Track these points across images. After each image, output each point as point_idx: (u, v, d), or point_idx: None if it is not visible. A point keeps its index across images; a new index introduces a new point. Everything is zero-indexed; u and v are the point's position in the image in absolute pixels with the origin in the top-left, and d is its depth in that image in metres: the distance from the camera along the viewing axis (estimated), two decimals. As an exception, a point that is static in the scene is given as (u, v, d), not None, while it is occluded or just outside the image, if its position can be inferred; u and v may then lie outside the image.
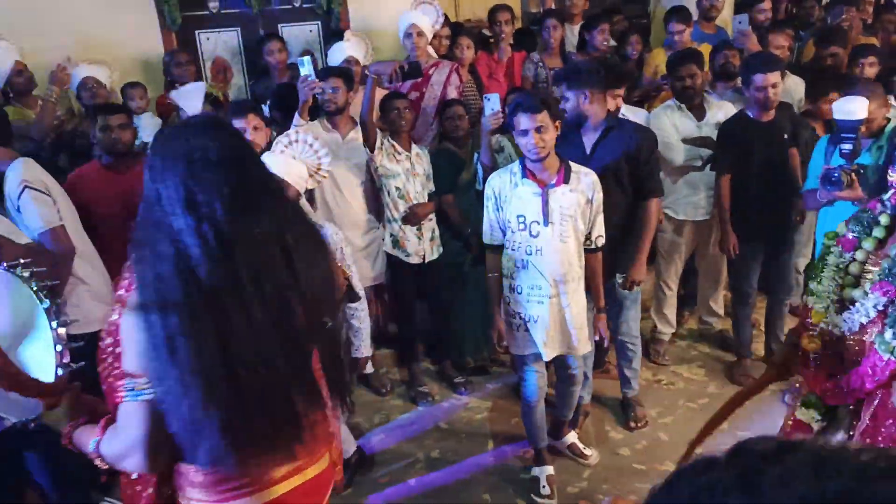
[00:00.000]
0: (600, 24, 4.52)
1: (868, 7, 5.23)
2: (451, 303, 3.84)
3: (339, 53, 4.07)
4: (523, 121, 2.61)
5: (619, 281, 3.26)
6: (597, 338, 3.00)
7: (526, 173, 2.74)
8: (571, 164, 2.78)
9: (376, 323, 3.93)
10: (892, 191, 1.84)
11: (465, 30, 4.72)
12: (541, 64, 4.51)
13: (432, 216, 3.73)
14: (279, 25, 5.04)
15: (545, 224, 2.72)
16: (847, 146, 2.83)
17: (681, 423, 3.48)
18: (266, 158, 2.55)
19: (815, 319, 1.93)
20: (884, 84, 3.50)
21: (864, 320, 1.81)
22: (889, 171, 1.85)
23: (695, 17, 4.83)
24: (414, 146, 3.72)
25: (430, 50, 4.43)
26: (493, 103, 3.38)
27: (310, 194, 3.38)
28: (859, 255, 1.90)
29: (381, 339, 4.14)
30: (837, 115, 2.84)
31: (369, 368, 3.80)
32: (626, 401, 3.56)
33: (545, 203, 2.71)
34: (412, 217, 3.63)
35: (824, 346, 1.90)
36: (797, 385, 2.09)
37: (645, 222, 3.17)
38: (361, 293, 2.90)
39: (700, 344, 4.22)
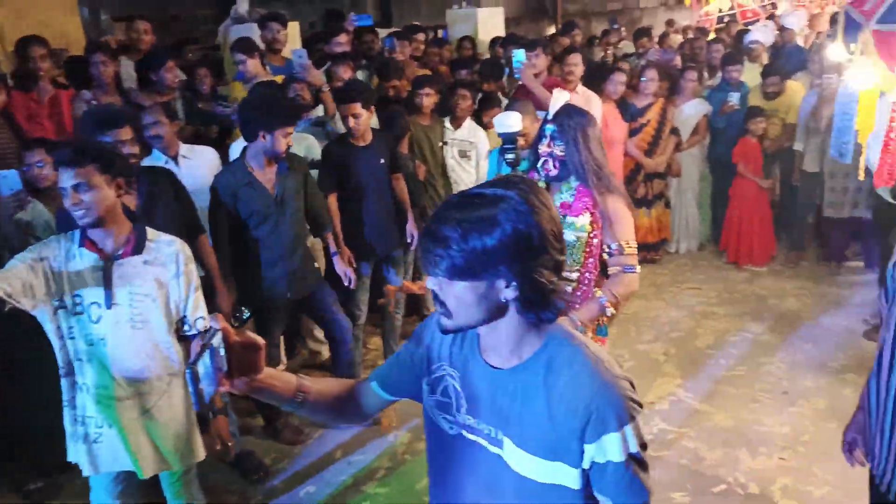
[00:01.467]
0: (164, 62, 4.19)
1: (419, 43, 5.87)
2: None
3: None
4: (59, 176, 2.11)
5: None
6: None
7: (84, 241, 2.20)
8: (150, 230, 2.32)
9: None
10: (542, 160, 2.43)
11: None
12: (94, 102, 4.01)
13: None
14: None
15: (108, 307, 2.19)
16: (510, 155, 3.04)
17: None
18: None
19: None
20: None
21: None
22: (538, 145, 2.45)
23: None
24: None
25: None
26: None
27: None
28: None
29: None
30: (499, 129, 3.12)
31: None
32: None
33: (107, 279, 2.18)
34: None
35: None
36: None
37: (208, 257, 3.18)
38: None
39: (312, 371, 4.23)
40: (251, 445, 3.47)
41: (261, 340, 1.22)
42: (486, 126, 4.44)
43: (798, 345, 4.22)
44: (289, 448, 3.52)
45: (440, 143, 4.42)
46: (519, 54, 4.39)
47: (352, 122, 3.53)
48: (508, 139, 3.14)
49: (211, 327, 1.15)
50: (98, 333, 2.21)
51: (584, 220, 2.40)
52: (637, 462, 1.19)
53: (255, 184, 3.17)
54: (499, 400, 1.26)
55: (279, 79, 4.30)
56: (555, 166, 2.44)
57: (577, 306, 2.39)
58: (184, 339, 2.38)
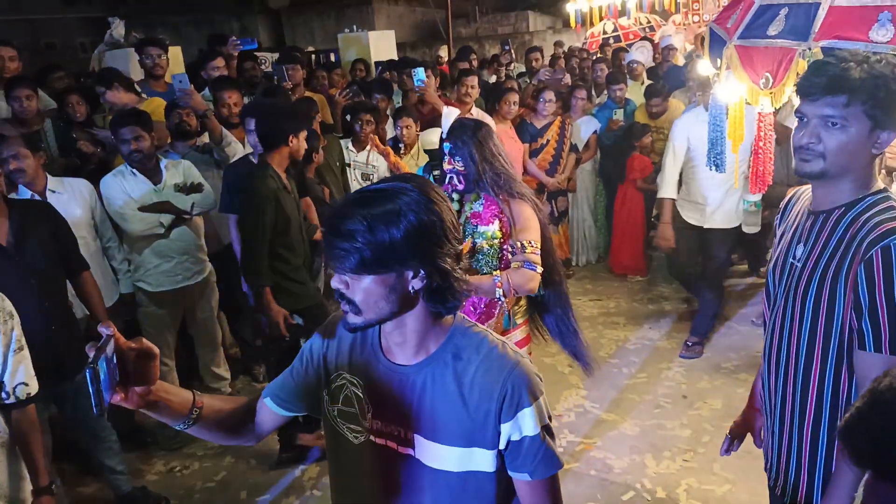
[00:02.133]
0: (18, 90, 3.89)
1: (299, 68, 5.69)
2: None
3: None
4: None
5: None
6: None
7: None
8: None
9: None
10: (447, 177, 2.49)
11: None
12: (-50, 134, 3.66)
13: None
14: None
15: None
16: (436, 172, 3.07)
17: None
18: None
19: None
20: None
21: None
22: (443, 162, 2.50)
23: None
24: None
25: None
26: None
27: None
28: None
29: None
30: (424, 147, 3.05)
31: None
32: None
33: None
34: None
35: None
36: None
37: (91, 295, 2.99)
38: None
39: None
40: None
41: (155, 349, 1.20)
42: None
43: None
44: (189, 492, 3.30)
45: (338, 164, 4.35)
46: (420, 72, 4.47)
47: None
48: (434, 155, 3.15)
49: (104, 334, 1.11)
50: None
51: (493, 227, 2.46)
52: (549, 432, 1.27)
53: (286, 188, 3.23)
54: (407, 397, 1.27)
55: (161, 103, 4.10)
56: (459, 181, 2.49)
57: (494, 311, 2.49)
58: (4, 408, 2.03)
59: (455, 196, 2.52)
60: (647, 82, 6.14)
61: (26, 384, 2.03)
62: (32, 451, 2.06)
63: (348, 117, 4.46)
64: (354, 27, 7.29)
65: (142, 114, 3.49)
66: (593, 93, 6.33)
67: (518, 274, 2.35)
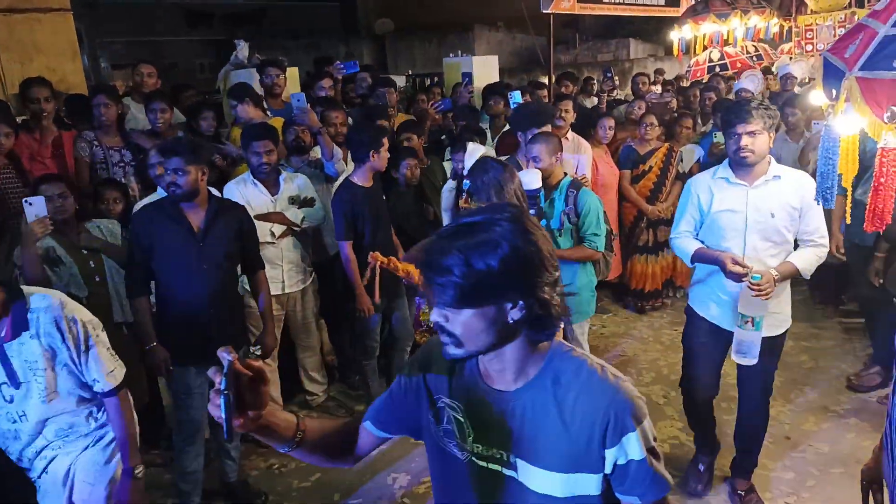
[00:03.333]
0: (155, 103, 4.24)
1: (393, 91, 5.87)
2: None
3: None
4: None
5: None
6: None
7: None
8: (25, 289, 2.20)
9: None
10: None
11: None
12: (96, 143, 4.04)
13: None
14: None
15: (15, 387, 2.16)
16: (532, 211, 3.08)
17: None
18: None
19: (423, 318, 2.36)
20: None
21: None
22: (458, 200, 2.48)
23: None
24: None
25: (-55, 130, 3.62)
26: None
27: None
28: None
29: None
30: (524, 187, 3.13)
31: None
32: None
33: (5, 362, 2.14)
34: None
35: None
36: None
37: (263, 294, 3.29)
38: None
39: (308, 414, 4.15)
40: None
41: (267, 374, 1.21)
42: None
43: (799, 388, 4.19)
44: (287, 490, 3.44)
45: (441, 184, 4.46)
46: (516, 95, 4.53)
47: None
48: (530, 196, 3.18)
49: (225, 360, 1.14)
50: (17, 411, 2.19)
51: None
52: (654, 454, 1.25)
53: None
54: (508, 423, 1.27)
55: (278, 121, 4.36)
56: None
57: None
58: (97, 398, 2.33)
59: None
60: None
61: (99, 380, 2.25)
62: (126, 436, 2.31)
63: (443, 137, 4.59)
64: (460, 52, 7.46)
65: (272, 129, 3.73)
66: (698, 121, 6.21)
67: None
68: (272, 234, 3.71)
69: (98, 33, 12.92)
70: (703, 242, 2.94)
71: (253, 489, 3.41)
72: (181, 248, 2.92)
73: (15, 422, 2.21)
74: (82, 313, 2.23)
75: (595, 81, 7.97)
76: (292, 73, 5.49)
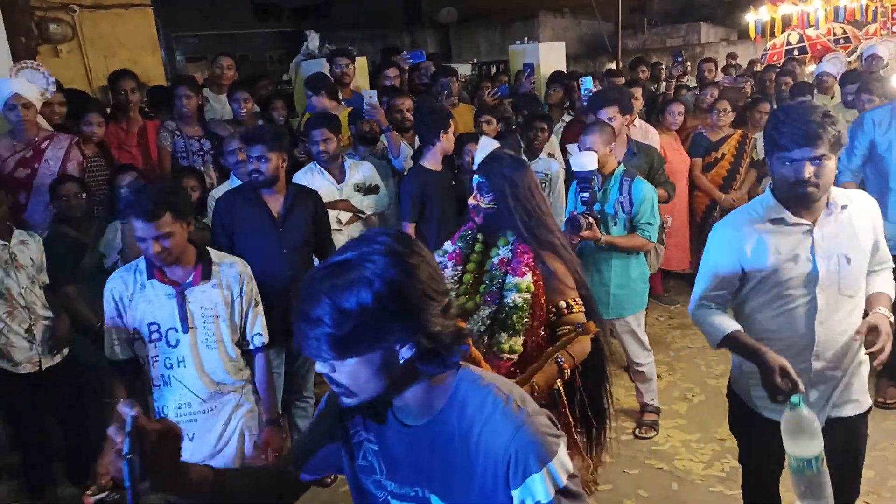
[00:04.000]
0: (238, 93, 4.41)
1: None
2: (87, 411, 3.25)
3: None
4: (138, 227, 2.21)
5: None
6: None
7: (153, 272, 2.32)
8: (213, 252, 2.46)
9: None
10: (477, 213, 2.21)
11: (94, 103, 4.28)
12: (178, 133, 4.23)
13: (48, 314, 3.13)
14: None
15: (184, 331, 2.32)
16: (585, 195, 3.11)
17: None
18: None
19: None
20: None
21: (482, 328, 2.08)
22: (475, 196, 2.21)
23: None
24: (18, 233, 3.13)
25: (42, 120, 3.86)
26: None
27: None
28: (470, 267, 2.21)
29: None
30: (574, 168, 3.11)
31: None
32: None
33: (181, 306, 2.31)
34: None
35: None
36: None
37: None
38: None
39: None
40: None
41: (179, 428, 1.08)
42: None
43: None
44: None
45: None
46: (587, 81, 4.47)
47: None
48: (583, 178, 3.13)
49: (127, 415, 1.01)
50: (177, 356, 2.33)
51: (527, 280, 2.13)
52: (567, 495, 1.13)
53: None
54: (419, 458, 1.20)
55: (345, 112, 4.46)
56: (479, 217, 2.22)
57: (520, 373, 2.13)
58: (246, 353, 2.54)
59: (479, 237, 2.28)
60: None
61: (261, 335, 2.51)
62: (267, 390, 2.54)
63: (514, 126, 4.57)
64: (525, 39, 7.41)
65: (332, 118, 3.82)
66: (774, 107, 5.99)
67: (577, 344, 2.11)
68: (339, 221, 3.80)
69: (173, 28, 13.41)
70: (745, 313, 2.20)
71: None
72: (262, 233, 3.04)
73: (172, 367, 2.33)
74: (253, 279, 2.52)
75: (664, 67, 7.79)
76: (361, 62, 5.59)
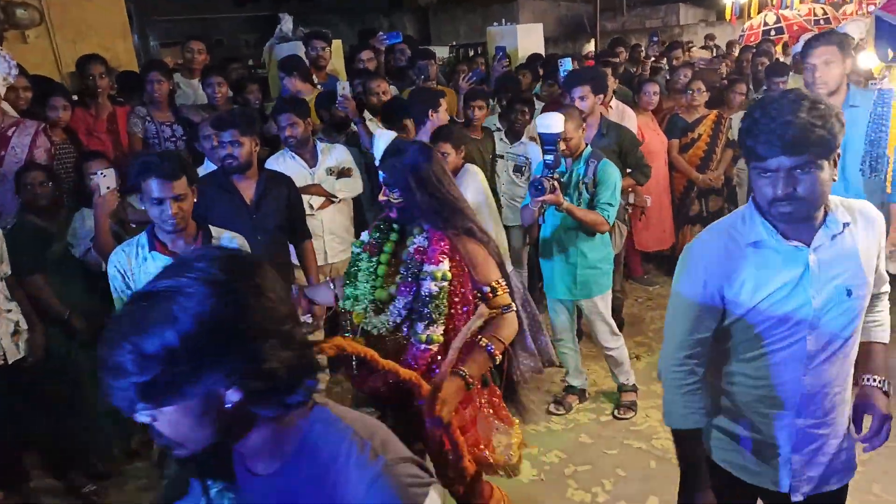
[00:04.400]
0: (212, 77, 4.33)
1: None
2: (62, 401, 3.21)
3: None
4: (156, 188, 2.29)
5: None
6: None
7: (155, 245, 2.39)
8: (211, 227, 2.54)
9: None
10: (389, 208, 2.16)
11: (58, 87, 4.18)
12: (149, 118, 4.15)
13: (10, 306, 3.06)
14: None
15: None
16: (549, 157, 3.05)
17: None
18: None
19: (357, 321, 2.12)
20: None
21: (399, 319, 2.09)
22: (383, 192, 2.14)
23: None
24: None
25: (6, 107, 3.77)
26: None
27: None
28: (383, 258, 2.19)
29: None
30: (540, 130, 3.06)
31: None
32: None
33: None
34: None
35: (366, 345, 2.04)
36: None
37: (309, 262, 3.38)
38: None
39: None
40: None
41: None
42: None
43: None
44: None
45: (490, 157, 4.43)
46: (567, 62, 4.47)
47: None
48: (549, 140, 3.10)
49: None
50: None
51: (443, 267, 2.08)
52: None
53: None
54: None
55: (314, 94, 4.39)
56: (392, 211, 2.17)
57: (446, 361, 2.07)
58: None
59: (394, 227, 2.25)
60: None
61: None
62: None
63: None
64: (503, 21, 7.35)
65: (300, 102, 3.75)
66: (751, 87, 6.01)
67: (502, 326, 2.10)
68: (310, 206, 3.74)
69: (147, 12, 13.16)
70: (714, 356, 1.76)
71: None
72: (236, 220, 2.99)
73: None
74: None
75: (642, 48, 7.78)
76: (336, 45, 5.50)
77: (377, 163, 2.18)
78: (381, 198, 2.14)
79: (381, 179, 2.15)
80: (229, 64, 5.27)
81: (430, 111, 3.71)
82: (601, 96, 4.01)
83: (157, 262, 2.37)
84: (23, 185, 3.18)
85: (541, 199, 3.05)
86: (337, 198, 3.81)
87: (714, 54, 7.28)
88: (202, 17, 15.46)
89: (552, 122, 3.04)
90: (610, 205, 3.32)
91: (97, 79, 4.12)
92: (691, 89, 5.09)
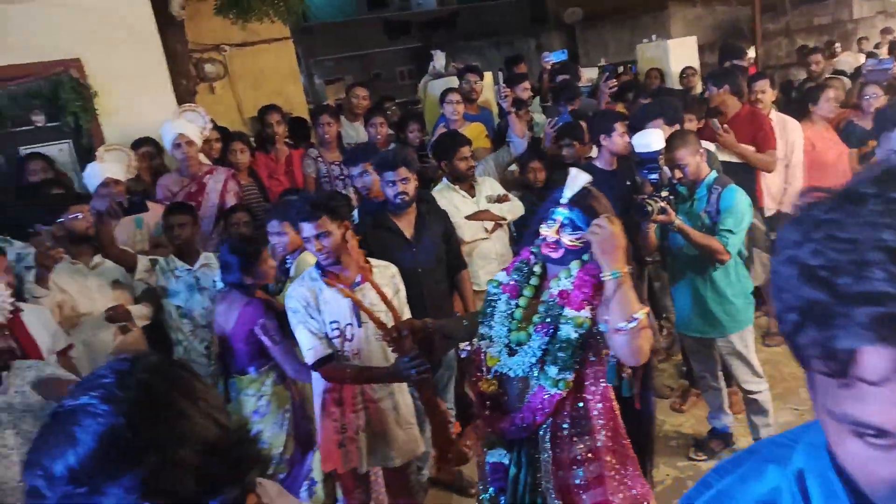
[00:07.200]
0: (374, 118, 4.66)
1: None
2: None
3: (93, 178, 3.76)
4: (305, 228, 2.51)
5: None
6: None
7: (326, 275, 2.60)
8: (370, 258, 2.74)
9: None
10: (540, 241, 2.03)
11: (236, 134, 4.70)
12: (320, 159, 4.54)
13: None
14: (20, 149, 4.52)
15: (359, 325, 2.59)
16: (654, 176, 2.95)
17: None
18: None
19: (491, 363, 2.08)
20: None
21: (533, 360, 1.99)
22: (542, 225, 2.03)
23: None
24: (204, 256, 3.48)
25: (202, 156, 4.31)
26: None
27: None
28: (522, 302, 2.10)
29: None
30: (638, 149, 3.03)
31: None
32: None
33: (353, 303, 2.56)
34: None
35: (499, 387, 2.04)
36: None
37: (466, 292, 3.47)
38: None
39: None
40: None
41: None
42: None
43: None
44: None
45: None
46: (555, 55, 4.37)
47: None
48: (649, 159, 2.98)
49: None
50: (353, 349, 2.60)
51: (584, 314, 1.95)
52: None
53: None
54: None
55: (476, 127, 4.57)
56: (558, 253, 2.02)
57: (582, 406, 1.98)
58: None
59: (536, 270, 2.12)
60: None
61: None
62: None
63: None
64: (653, 37, 7.20)
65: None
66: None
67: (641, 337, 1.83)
68: (485, 230, 3.88)
69: (311, 53, 14.31)
70: None
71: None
72: (399, 254, 3.16)
73: (348, 360, 2.60)
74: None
75: (804, 48, 7.22)
76: (488, 78, 5.71)
77: (562, 200, 2.02)
78: (552, 234, 1.99)
79: (563, 217, 1.99)
80: (386, 102, 5.62)
81: (601, 136, 3.70)
82: (676, 126, 3.62)
83: (331, 292, 2.58)
84: (230, 224, 3.64)
85: (651, 221, 2.91)
86: (506, 219, 3.96)
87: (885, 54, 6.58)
88: (359, 53, 16.52)
89: (650, 141, 2.94)
90: (731, 232, 3.01)
91: (275, 126, 4.59)
92: (867, 94, 4.69)
